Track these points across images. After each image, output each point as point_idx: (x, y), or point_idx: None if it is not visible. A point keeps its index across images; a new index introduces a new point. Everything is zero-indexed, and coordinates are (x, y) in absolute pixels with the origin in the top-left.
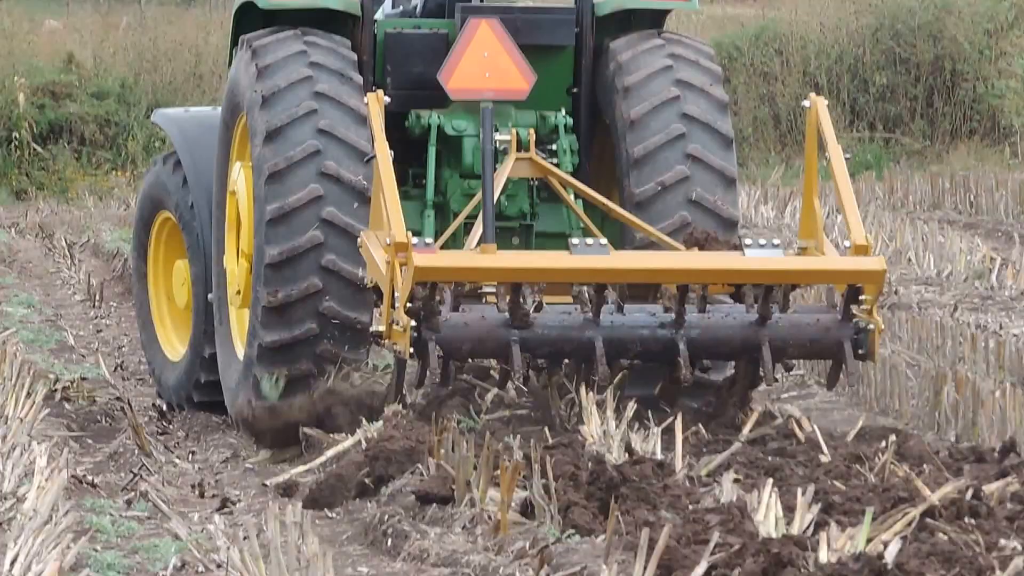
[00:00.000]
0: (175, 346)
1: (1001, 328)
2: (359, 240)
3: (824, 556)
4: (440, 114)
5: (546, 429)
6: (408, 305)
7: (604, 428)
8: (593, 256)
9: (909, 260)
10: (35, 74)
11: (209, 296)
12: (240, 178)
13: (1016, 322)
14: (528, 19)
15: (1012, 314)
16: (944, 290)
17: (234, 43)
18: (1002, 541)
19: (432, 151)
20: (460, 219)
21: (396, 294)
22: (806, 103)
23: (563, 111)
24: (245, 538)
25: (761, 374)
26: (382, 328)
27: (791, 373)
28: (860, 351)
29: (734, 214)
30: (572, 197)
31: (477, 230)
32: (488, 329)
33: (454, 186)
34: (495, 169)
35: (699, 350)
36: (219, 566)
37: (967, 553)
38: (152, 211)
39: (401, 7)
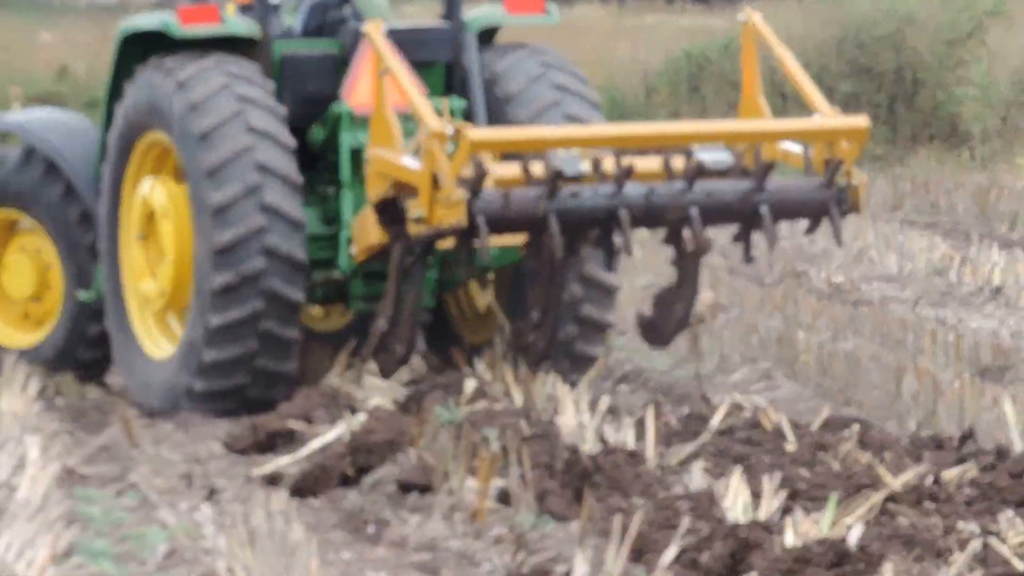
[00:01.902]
0: (11, 333)
1: (959, 322)
2: (366, 157)
3: (790, 540)
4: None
5: (523, 421)
6: (459, 180)
7: (579, 420)
8: (627, 124)
9: (871, 259)
10: (30, 84)
11: (82, 294)
12: (158, 191)
13: (974, 316)
14: (411, 38)
15: (970, 309)
16: (905, 287)
17: (121, 67)
18: (960, 524)
19: (345, 146)
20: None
21: (441, 175)
22: (742, 16)
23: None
24: (232, 526)
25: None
26: (423, 214)
27: (757, 365)
28: (844, 207)
29: None
30: None
31: None
32: (528, 199)
33: (358, 192)
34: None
35: (709, 213)
36: (207, 553)
37: (927, 536)
38: None
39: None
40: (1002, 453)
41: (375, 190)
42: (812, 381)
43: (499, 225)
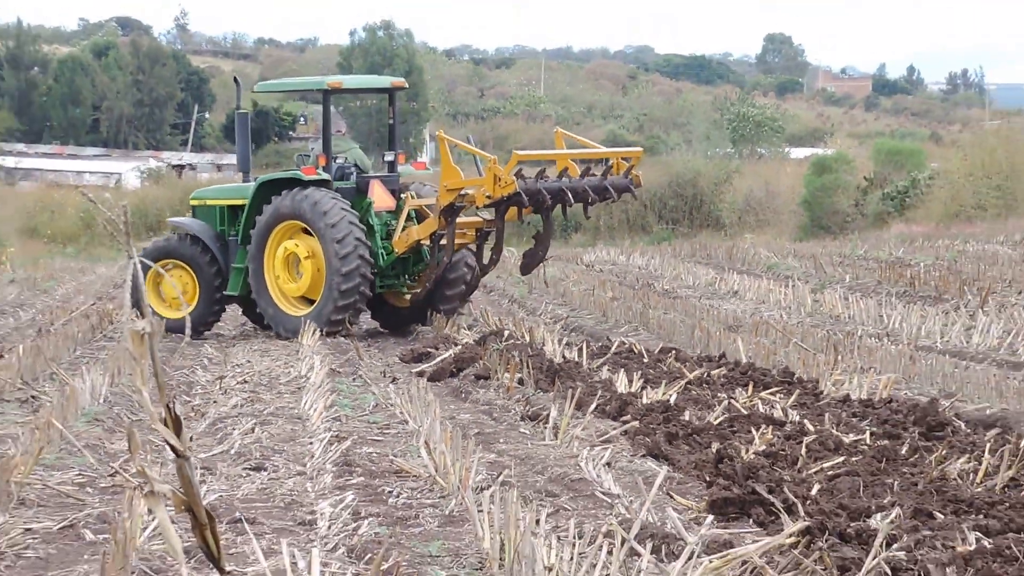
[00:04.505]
0: (168, 312)
1: (719, 306)
2: (441, 184)
3: (645, 400)
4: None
5: (529, 348)
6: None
7: (554, 347)
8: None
9: (681, 278)
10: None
11: (227, 292)
12: (302, 244)
13: (725, 304)
14: (387, 178)
15: (723, 300)
16: (696, 291)
17: (257, 195)
18: (719, 395)
19: (378, 227)
20: (404, 214)
21: (498, 178)
22: (555, 128)
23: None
24: (402, 393)
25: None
26: (492, 198)
27: (631, 324)
28: (634, 186)
29: None
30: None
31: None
32: (533, 184)
33: (377, 245)
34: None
35: (594, 191)
36: (391, 405)
37: (704, 400)
38: (157, 259)
39: None
40: (737, 363)
41: (445, 200)
42: (655, 332)
43: (527, 193)
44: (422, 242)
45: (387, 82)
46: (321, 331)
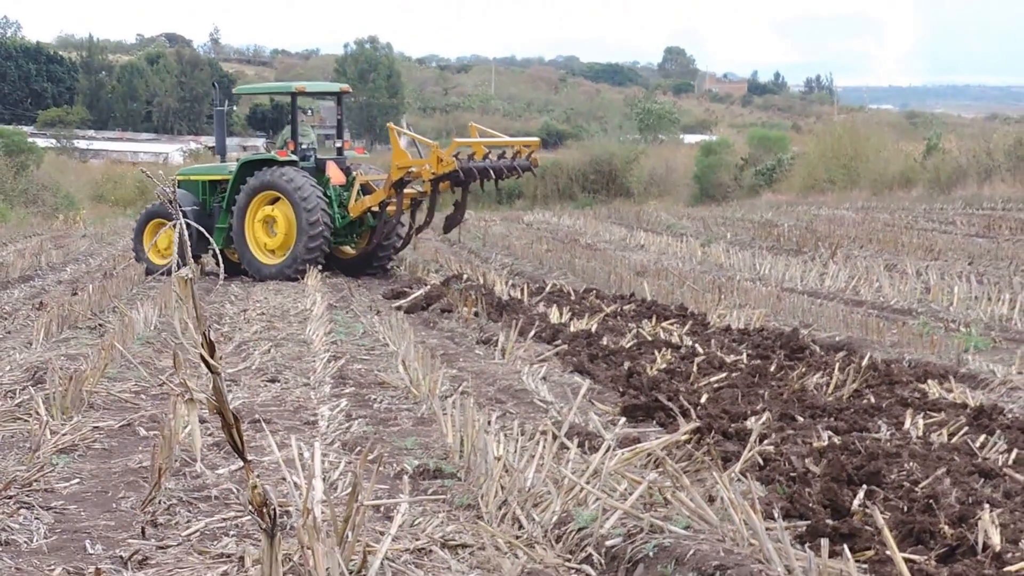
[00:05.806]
0: (160, 258)
1: (629, 256)
2: (338, 194)
3: (572, 328)
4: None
5: (483, 288)
6: (452, 158)
7: (503, 287)
8: (482, 137)
9: (599, 234)
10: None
11: (214, 245)
12: (276, 209)
13: (633, 255)
14: (338, 160)
15: (632, 252)
16: (611, 245)
17: (239, 173)
18: (630, 325)
19: (333, 197)
20: (355, 187)
21: (441, 158)
22: (471, 123)
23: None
24: (384, 323)
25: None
26: (436, 174)
27: (563, 270)
28: (533, 166)
29: None
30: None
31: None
32: (466, 163)
33: (334, 211)
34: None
35: (509, 171)
36: (376, 332)
37: (618, 328)
38: (149, 220)
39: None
40: (643, 301)
41: (396, 175)
42: (580, 276)
43: (464, 172)
44: (372, 208)
45: (337, 87)
46: (297, 274)
